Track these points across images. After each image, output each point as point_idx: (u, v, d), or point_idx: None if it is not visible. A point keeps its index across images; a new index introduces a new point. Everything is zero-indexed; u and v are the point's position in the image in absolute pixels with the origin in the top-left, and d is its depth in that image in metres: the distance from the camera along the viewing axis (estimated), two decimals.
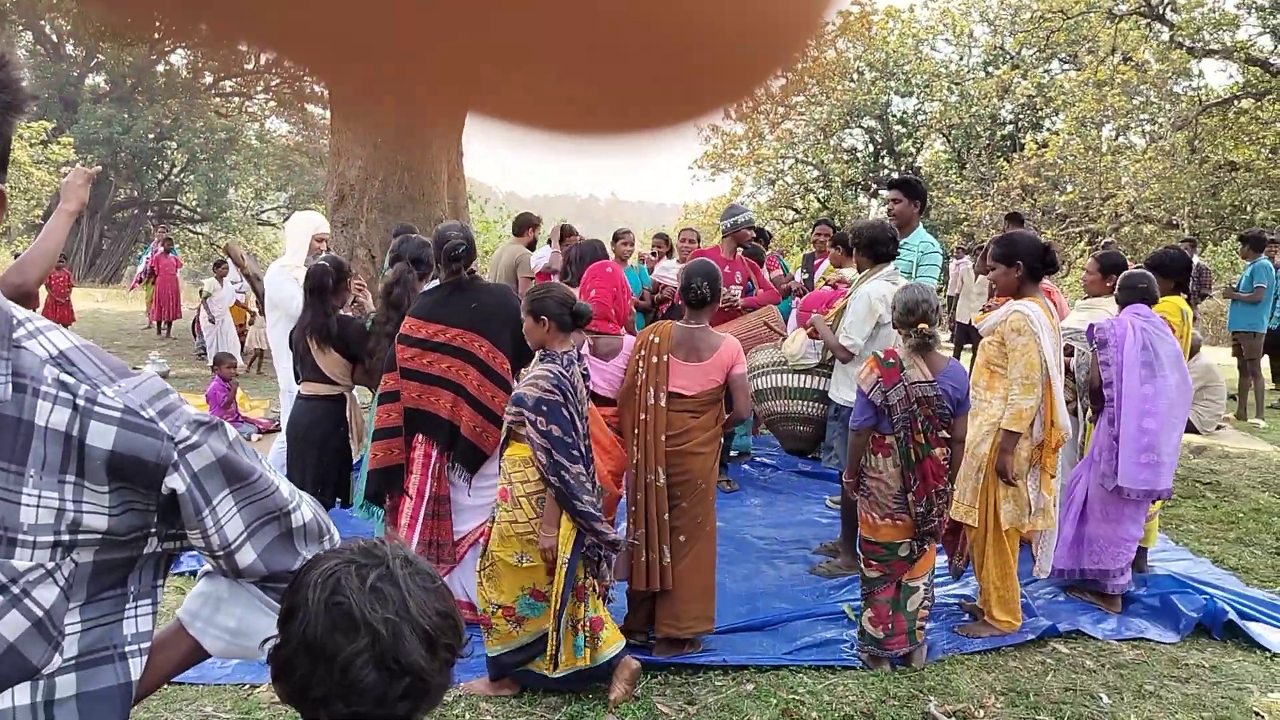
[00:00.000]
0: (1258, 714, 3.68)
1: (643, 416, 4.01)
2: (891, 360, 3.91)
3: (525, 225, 8.43)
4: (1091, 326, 4.75)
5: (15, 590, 1.15)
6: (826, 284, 6.91)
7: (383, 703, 1.18)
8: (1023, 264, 4.24)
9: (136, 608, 1.31)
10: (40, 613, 1.18)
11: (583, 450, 3.48)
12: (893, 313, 4.01)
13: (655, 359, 4.02)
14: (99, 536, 1.22)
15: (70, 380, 1.19)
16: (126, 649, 1.29)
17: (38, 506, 1.17)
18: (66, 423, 1.18)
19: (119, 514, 1.23)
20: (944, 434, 3.89)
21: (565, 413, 3.41)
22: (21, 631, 1.16)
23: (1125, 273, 4.89)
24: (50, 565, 1.18)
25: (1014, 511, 4.24)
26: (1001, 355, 4.25)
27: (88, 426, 1.19)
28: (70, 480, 1.19)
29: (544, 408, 3.37)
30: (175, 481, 1.25)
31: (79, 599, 1.23)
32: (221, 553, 1.33)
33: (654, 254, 8.91)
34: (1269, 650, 4.30)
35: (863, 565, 4.07)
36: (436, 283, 4.53)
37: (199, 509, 1.28)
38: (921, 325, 3.91)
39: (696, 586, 4.06)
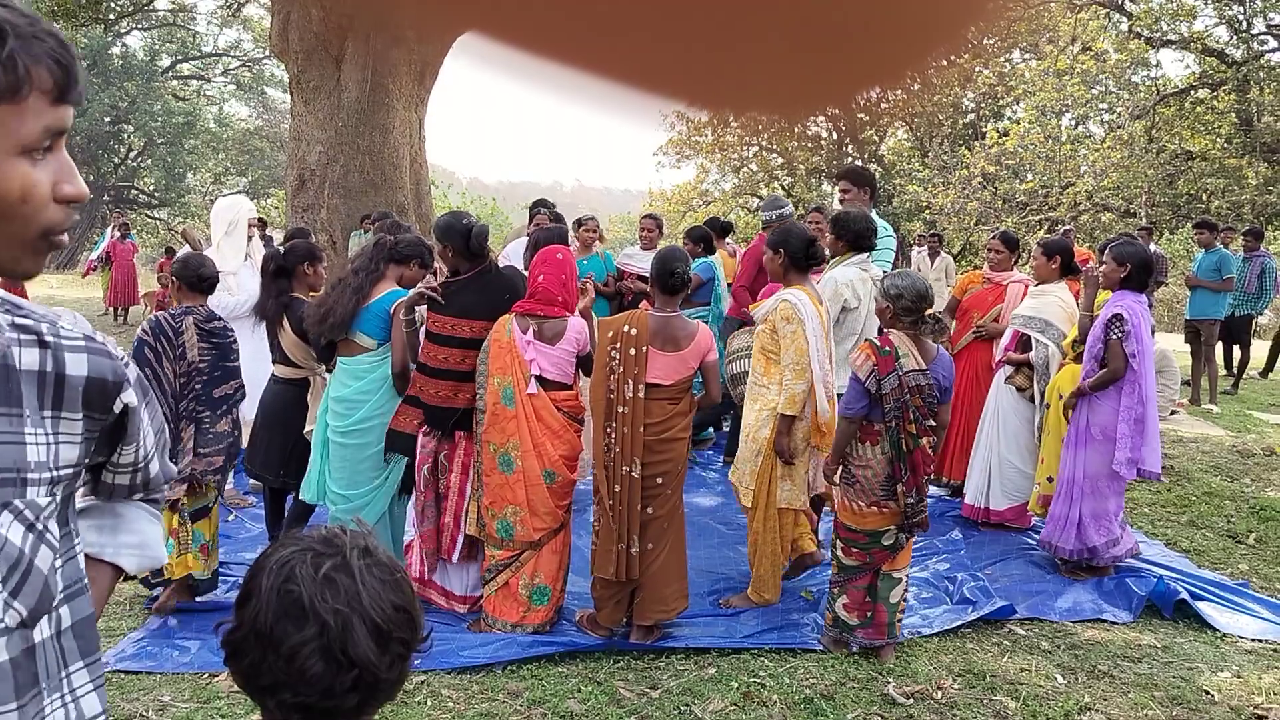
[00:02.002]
0: (1207, 693, 3.76)
1: (620, 409, 3.99)
2: (888, 348, 3.86)
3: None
4: (1115, 314, 4.77)
5: (39, 526, 1.20)
6: None
7: (330, 694, 1.16)
8: (784, 252, 4.42)
9: (75, 544, 1.34)
10: (56, 544, 1.23)
11: (157, 388, 4.08)
12: (899, 300, 3.88)
13: (632, 350, 3.99)
14: (73, 469, 1.27)
15: (27, 321, 1.22)
16: (84, 581, 1.34)
17: (37, 444, 1.21)
18: (39, 361, 1.21)
19: (82, 443, 1.28)
20: (930, 423, 3.90)
21: (145, 350, 4.13)
22: (49, 564, 1.21)
23: (1135, 253, 4.89)
24: (52, 500, 1.24)
25: (792, 491, 4.37)
26: (774, 342, 4.34)
27: (63, 359, 1.24)
28: (49, 415, 1.23)
29: (134, 345, 4.12)
30: (129, 396, 1.33)
31: (62, 533, 1.28)
32: (142, 464, 1.44)
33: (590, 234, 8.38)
34: (1219, 630, 4.40)
35: (840, 552, 4.03)
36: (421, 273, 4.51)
37: (139, 422, 1.38)
38: (931, 311, 3.90)
39: (676, 568, 4.15)
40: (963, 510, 5.89)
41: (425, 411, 4.27)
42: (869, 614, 3.97)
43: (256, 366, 5.78)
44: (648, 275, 7.47)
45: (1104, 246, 5.48)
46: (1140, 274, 4.84)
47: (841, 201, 5.78)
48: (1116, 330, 4.74)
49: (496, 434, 4.07)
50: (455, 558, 4.33)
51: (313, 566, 1.19)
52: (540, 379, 4.08)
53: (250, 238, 5.99)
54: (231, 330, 4.41)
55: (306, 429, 4.66)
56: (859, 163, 29.21)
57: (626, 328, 4.04)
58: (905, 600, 4.08)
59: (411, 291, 4.29)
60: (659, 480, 4.03)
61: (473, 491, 4.24)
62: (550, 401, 4.09)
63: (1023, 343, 5.63)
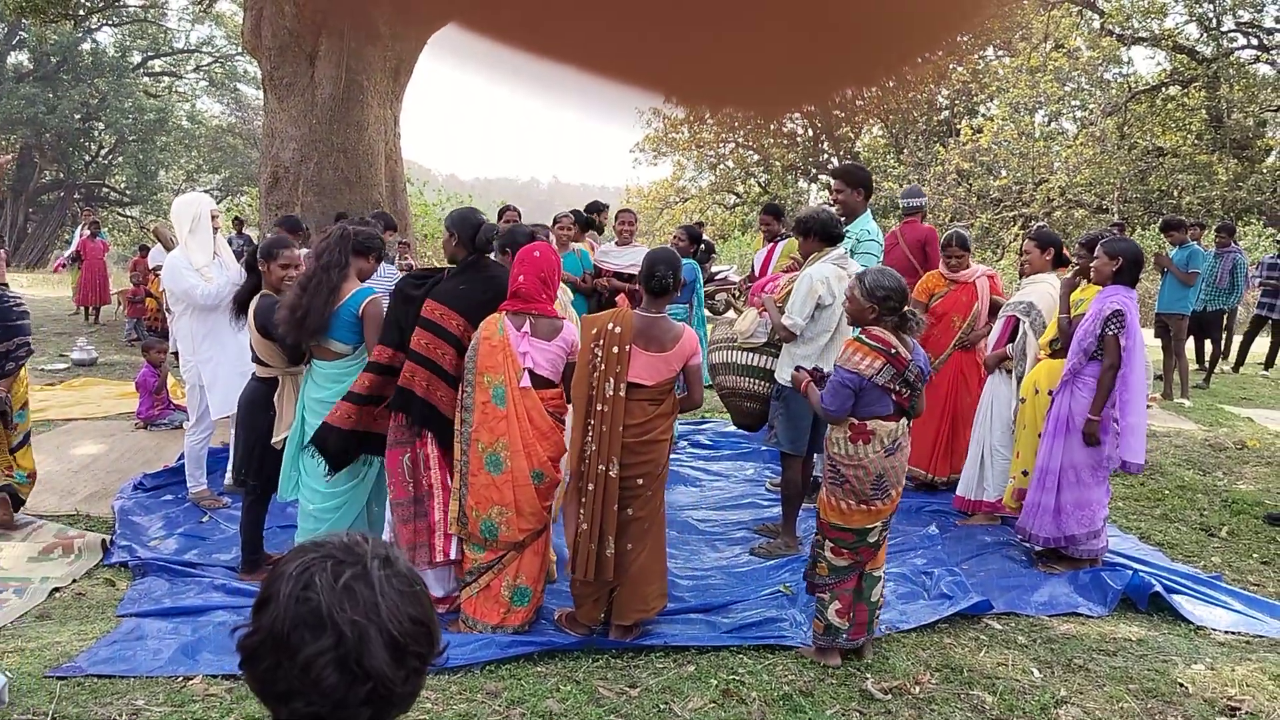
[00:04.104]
0: (1182, 685, 3.79)
1: (600, 408, 3.96)
2: (878, 344, 3.79)
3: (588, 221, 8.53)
4: (1115, 310, 4.77)
5: None
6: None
7: (342, 705, 1.15)
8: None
9: None
10: None
11: None
12: (887, 301, 3.82)
13: (615, 349, 3.96)
14: None
15: None
16: None
17: None
18: None
19: None
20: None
21: None
22: None
23: (1128, 248, 4.90)
24: None
25: None
26: None
27: None
28: None
29: None
30: None
31: None
32: None
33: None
34: (1193, 623, 4.44)
35: (829, 554, 3.94)
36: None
37: None
38: (904, 307, 3.86)
39: (657, 569, 4.15)
40: (954, 502, 5.95)
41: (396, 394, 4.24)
42: (852, 615, 3.94)
43: (223, 362, 5.73)
44: (623, 271, 7.51)
45: (1086, 242, 5.51)
46: (1132, 269, 4.87)
47: (833, 201, 5.77)
48: (1114, 326, 4.76)
49: (485, 434, 4.03)
50: (453, 553, 4.27)
51: (332, 575, 1.17)
52: (532, 375, 4.06)
53: (215, 230, 5.93)
54: (12, 298, 5.19)
55: (276, 439, 4.61)
56: (834, 159, 29.33)
57: (611, 325, 4.02)
58: (883, 597, 4.08)
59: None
60: (640, 481, 4.02)
61: (456, 489, 4.20)
62: (539, 401, 4.07)
63: (1015, 329, 5.68)
